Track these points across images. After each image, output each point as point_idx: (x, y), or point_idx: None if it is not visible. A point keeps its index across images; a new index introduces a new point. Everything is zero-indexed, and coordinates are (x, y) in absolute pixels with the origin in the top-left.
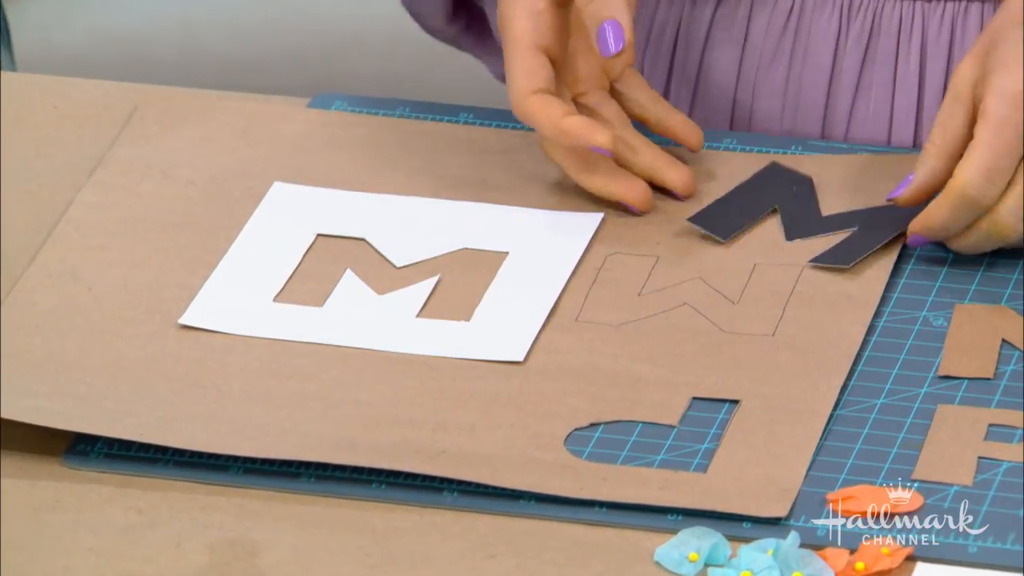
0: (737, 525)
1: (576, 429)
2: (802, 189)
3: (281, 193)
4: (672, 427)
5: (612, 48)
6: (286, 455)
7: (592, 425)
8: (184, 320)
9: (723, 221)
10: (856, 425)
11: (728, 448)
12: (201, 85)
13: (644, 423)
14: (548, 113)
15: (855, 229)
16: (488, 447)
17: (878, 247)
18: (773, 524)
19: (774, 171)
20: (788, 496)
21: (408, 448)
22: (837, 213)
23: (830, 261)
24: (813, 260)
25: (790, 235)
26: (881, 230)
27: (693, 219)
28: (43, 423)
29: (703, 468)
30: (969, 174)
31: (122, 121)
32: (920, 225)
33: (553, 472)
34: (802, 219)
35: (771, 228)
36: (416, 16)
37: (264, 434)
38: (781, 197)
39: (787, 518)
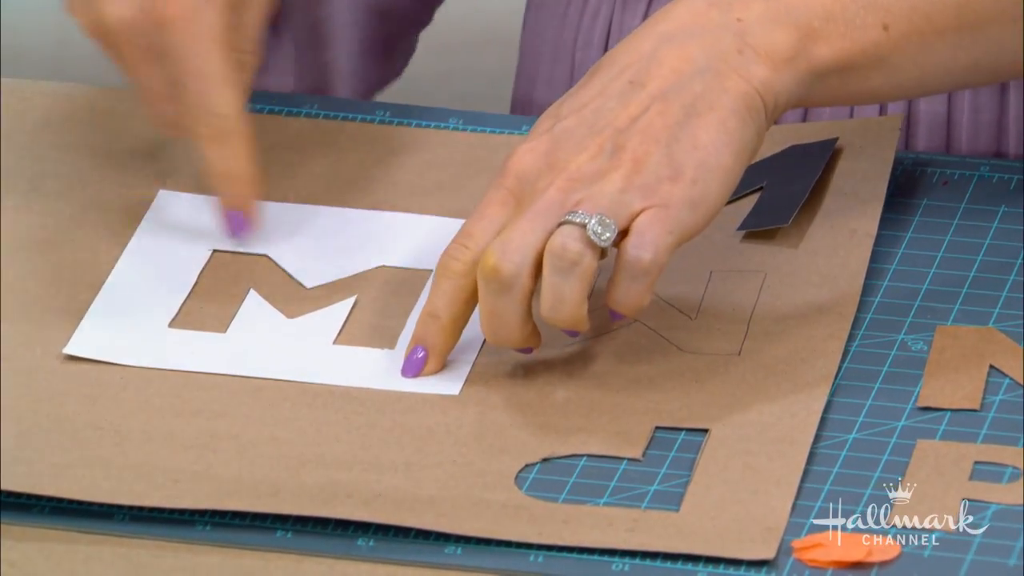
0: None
1: (527, 465)
2: None
3: (167, 203)
4: (635, 460)
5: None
6: (201, 504)
7: (545, 460)
8: (69, 350)
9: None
10: (825, 463)
11: (701, 483)
12: (76, 80)
13: (603, 457)
14: None
15: (765, 185)
16: (429, 488)
17: (807, 193)
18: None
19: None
20: (774, 536)
21: (338, 491)
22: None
23: (764, 223)
24: (742, 227)
25: None
26: (797, 177)
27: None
28: None
29: (675, 506)
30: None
31: None
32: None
33: (506, 515)
34: None
35: None
36: None
37: (173, 480)
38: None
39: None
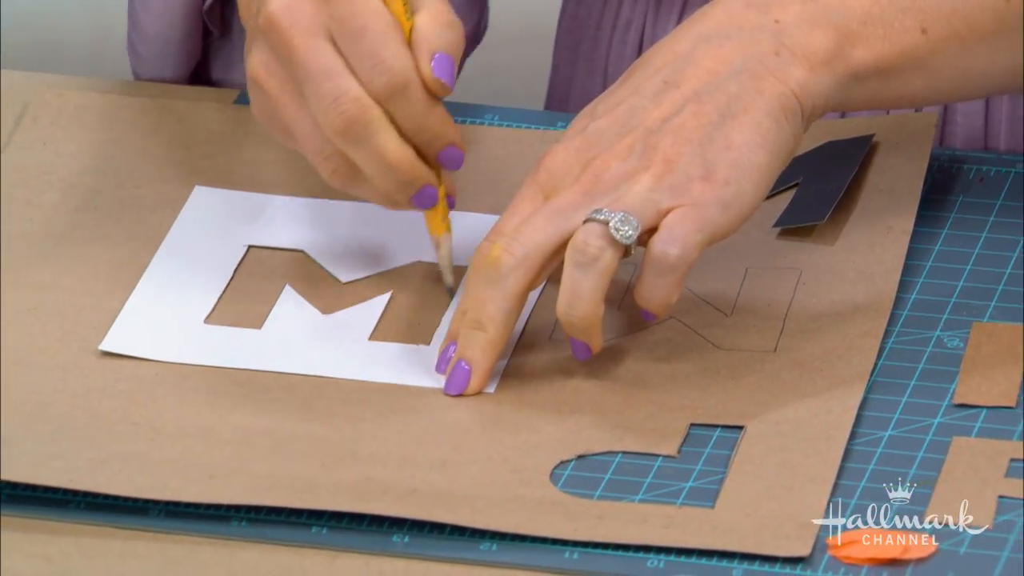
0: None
1: (562, 462)
2: None
3: (203, 199)
4: (671, 457)
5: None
6: (237, 500)
7: (580, 457)
8: (105, 346)
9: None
10: (861, 460)
11: (736, 480)
12: (113, 76)
13: (639, 453)
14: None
15: (800, 181)
16: (464, 485)
17: (843, 190)
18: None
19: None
20: (809, 532)
21: (374, 487)
22: None
23: (800, 220)
24: (778, 224)
25: None
26: (833, 173)
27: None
28: None
29: (710, 503)
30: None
31: (14, 119)
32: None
33: (541, 511)
34: None
35: None
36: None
37: (209, 476)
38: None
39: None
